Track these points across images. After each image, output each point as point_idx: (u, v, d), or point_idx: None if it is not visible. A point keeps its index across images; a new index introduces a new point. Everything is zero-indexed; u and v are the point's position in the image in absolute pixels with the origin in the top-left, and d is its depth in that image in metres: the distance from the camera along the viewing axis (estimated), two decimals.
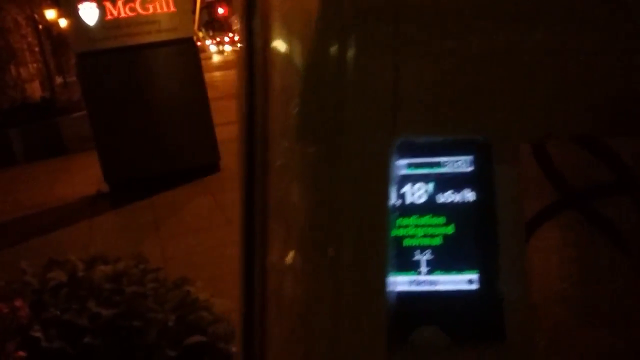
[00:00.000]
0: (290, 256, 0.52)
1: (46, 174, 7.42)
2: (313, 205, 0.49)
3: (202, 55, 6.86)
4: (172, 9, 5.66)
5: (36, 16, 11.00)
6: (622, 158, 0.47)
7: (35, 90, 10.71)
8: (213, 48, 49.82)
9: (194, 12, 6.18)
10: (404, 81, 0.45)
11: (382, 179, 0.47)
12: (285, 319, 0.54)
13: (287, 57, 0.51)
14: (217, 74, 21.71)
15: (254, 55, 0.54)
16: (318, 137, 0.48)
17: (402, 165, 0.51)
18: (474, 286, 0.50)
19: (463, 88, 0.45)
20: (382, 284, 0.48)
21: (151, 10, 5.60)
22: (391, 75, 0.45)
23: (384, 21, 0.45)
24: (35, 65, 10.94)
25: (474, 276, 0.50)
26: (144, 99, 5.78)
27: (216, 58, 37.82)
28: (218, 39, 54.17)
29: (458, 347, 0.49)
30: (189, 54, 5.87)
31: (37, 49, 10.98)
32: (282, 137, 0.53)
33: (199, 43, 6.83)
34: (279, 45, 0.52)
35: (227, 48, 47.79)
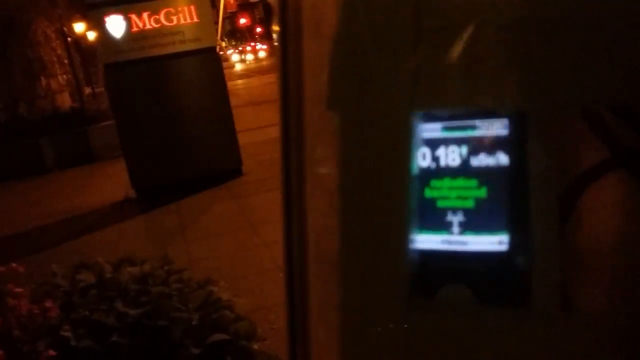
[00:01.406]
0: (324, 216, 0.55)
1: (76, 181, 7.63)
2: (340, 169, 0.52)
3: (224, 64, 6.97)
4: (195, 20, 5.77)
5: (65, 29, 11.32)
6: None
7: (65, 100, 11.00)
8: (235, 57, 50.27)
9: (216, 22, 6.28)
10: (424, 57, 0.46)
11: (401, 147, 0.49)
12: (325, 271, 0.58)
13: (318, 35, 0.55)
14: (240, 82, 21.94)
15: (288, 36, 0.58)
16: (344, 106, 0.51)
17: (436, 128, 0.51)
18: (503, 247, 0.50)
19: (481, 61, 0.45)
20: (403, 242, 0.50)
21: (175, 22, 5.72)
22: (411, 50, 0.47)
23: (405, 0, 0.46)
24: (64, 76, 11.23)
25: (504, 238, 0.50)
26: (169, 108, 5.89)
27: (238, 67, 38.17)
28: (240, 49, 54.68)
29: (481, 308, 0.49)
30: (212, 63, 5.97)
31: (66, 61, 11.27)
32: (314, 107, 0.56)
33: (221, 53, 6.93)
34: (311, 26, 0.56)
35: (249, 57, 48.20)
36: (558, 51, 0.44)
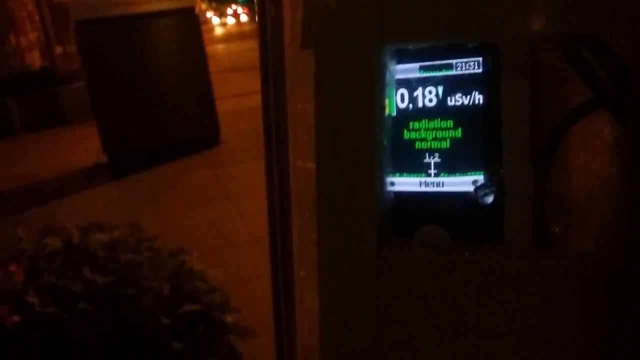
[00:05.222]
0: (303, 158, 0.57)
1: (44, 144, 7.39)
2: (315, 108, 0.52)
3: (204, 28, 6.77)
4: None
5: None
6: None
7: (34, 59, 10.56)
8: (216, 20, 49.08)
9: None
10: None
11: (371, 85, 0.49)
12: (303, 211, 0.60)
13: None
14: (220, 46, 21.44)
15: None
16: (316, 44, 0.50)
17: (414, 68, 0.52)
18: (478, 187, 0.52)
19: None
20: (374, 182, 0.50)
21: None
22: None
23: None
24: (35, 34, 10.75)
25: (479, 177, 0.51)
26: (143, 70, 5.71)
27: (219, 30, 37.28)
28: (221, 12, 53.36)
29: (456, 245, 0.51)
30: (190, 24, 5.78)
31: (37, 17, 10.78)
32: (290, 45, 0.57)
33: (200, 15, 6.72)
34: None
35: (230, 20, 47.10)
36: None
